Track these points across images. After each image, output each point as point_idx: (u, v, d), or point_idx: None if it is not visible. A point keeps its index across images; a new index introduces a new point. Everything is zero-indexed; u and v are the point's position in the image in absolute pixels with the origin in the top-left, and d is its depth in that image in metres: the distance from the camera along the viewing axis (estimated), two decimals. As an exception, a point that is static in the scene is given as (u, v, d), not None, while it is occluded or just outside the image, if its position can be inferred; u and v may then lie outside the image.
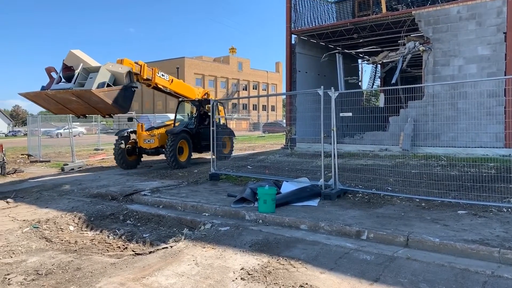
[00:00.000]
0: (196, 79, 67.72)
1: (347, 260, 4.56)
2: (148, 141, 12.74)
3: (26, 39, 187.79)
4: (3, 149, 13.13)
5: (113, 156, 13.09)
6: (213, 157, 10.08)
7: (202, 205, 7.07)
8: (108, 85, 9.54)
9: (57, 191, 9.52)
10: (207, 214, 6.79)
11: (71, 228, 6.62)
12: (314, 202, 7.00)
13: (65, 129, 36.80)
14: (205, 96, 14.73)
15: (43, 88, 9.81)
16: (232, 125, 37.79)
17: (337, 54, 17.51)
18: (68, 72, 9.86)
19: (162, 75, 12.40)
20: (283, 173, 9.71)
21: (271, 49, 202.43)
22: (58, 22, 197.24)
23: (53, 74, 10.00)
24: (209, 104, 14.32)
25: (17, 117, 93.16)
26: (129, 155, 12.94)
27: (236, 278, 4.17)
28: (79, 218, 7.02)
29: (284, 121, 28.04)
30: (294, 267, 4.40)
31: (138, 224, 6.80)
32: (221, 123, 14.87)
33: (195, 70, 67.28)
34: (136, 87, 10.30)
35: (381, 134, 14.08)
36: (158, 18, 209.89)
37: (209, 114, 13.89)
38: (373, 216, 6.09)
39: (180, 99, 14.40)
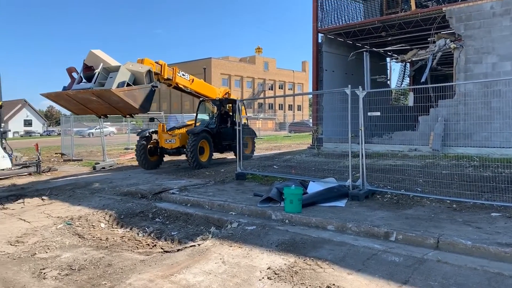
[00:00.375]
0: (222, 79, 68.27)
1: (375, 261, 4.50)
2: (170, 141, 12.73)
3: (58, 39, 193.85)
4: (39, 148, 13.63)
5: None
6: (239, 157, 10.13)
7: (229, 204, 7.13)
8: (128, 85, 9.45)
9: (89, 189, 9.81)
10: (233, 213, 6.84)
11: (102, 225, 6.81)
12: (341, 203, 6.94)
13: (96, 129, 37.83)
14: (226, 96, 14.68)
15: (64, 88, 9.76)
16: (258, 125, 37.91)
17: (364, 52, 17.26)
18: (88, 72, 9.83)
19: (183, 74, 12.41)
20: (310, 173, 9.67)
21: (298, 48, 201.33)
22: (88, 21, 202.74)
23: (74, 75, 9.97)
24: (230, 103, 14.33)
25: (51, 117, 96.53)
26: (151, 155, 12.97)
27: (263, 277, 4.19)
28: (110, 216, 7.21)
29: (311, 120, 27.85)
30: (321, 267, 4.39)
31: (167, 222, 6.92)
32: (243, 122, 14.79)
33: (221, 70, 67.84)
34: (157, 87, 10.21)
35: (411, 134, 13.79)
36: (184, 20, 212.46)
37: (230, 113, 14.13)
38: (402, 217, 5.98)
39: (200, 99, 14.38)
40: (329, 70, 17.75)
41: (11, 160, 12.57)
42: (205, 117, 15.52)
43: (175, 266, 4.63)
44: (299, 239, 5.34)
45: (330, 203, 6.91)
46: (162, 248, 5.46)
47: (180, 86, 12.41)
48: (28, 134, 76.93)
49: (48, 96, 9.86)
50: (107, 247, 5.59)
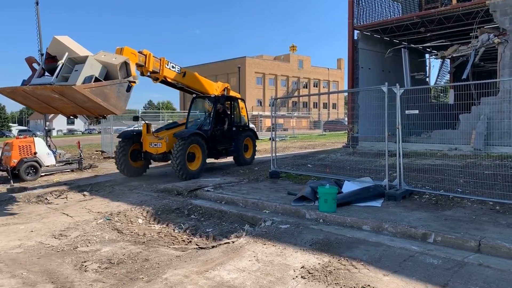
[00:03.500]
0: (256, 78, 68.51)
1: (412, 263, 4.39)
2: (155, 145, 10.81)
3: (93, 38, 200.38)
4: (80, 146, 14.18)
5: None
6: (273, 155, 10.13)
7: (263, 202, 7.15)
8: (98, 80, 7.63)
9: (127, 185, 10.12)
10: (267, 211, 6.86)
11: (140, 221, 7.00)
12: (378, 203, 6.81)
13: (135, 127, 38.90)
14: (224, 92, 12.96)
15: (23, 82, 8.02)
16: (292, 123, 37.77)
17: (402, 49, 16.84)
18: (51, 63, 8.05)
19: (173, 67, 10.61)
20: (345, 172, 9.54)
21: (333, 46, 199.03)
22: (125, 23, 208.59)
23: (35, 66, 8.25)
24: (229, 100, 12.64)
25: (92, 116, 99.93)
26: (134, 160, 11.15)
27: (297, 276, 4.18)
28: (147, 212, 7.41)
29: (346, 119, 27.44)
30: (355, 268, 4.32)
31: (202, 218, 7.03)
32: (243, 122, 13.26)
33: (255, 69, 68.06)
34: (134, 82, 8.30)
35: (451, 133, 13.31)
36: (221, 19, 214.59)
37: (228, 112, 12.39)
38: (441, 219, 5.79)
39: (194, 95, 12.60)
40: (365, 67, 17.42)
41: (55, 157, 13.14)
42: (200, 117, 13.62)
43: (210, 262, 4.69)
44: (334, 238, 5.29)
45: (366, 203, 6.79)
46: (197, 245, 5.56)
47: (168, 80, 10.74)
48: (71, 132, 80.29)
49: (2, 91, 8.12)
50: (144, 242, 5.74)
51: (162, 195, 8.73)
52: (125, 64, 8.25)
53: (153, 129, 11.85)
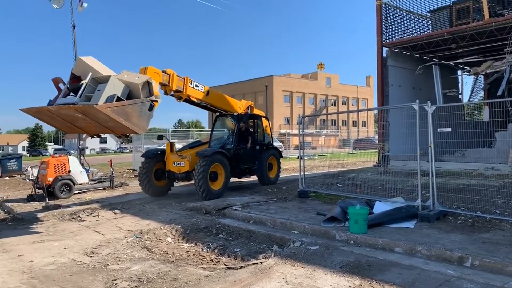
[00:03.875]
0: (284, 96, 68.76)
1: (448, 288, 4.20)
2: (178, 164, 10.75)
3: (124, 58, 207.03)
4: (112, 165, 14.53)
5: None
6: (302, 174, 10.04)
7: (291, 223, 7.06)
8: (120, 99, 7.65)
9: (157, 203, 10.24)
10: (296, 232, 6.77)
11: (169, 239, 7.04)
12: (410, 224, 6.60)
13: (165, 146, 39.60)
14: (248, 110, 12.89)
15: (49, 102, 8.21)
16: (320, 141, 37.49)
17: (433, 65, 16.52)
18: (76, 83, 8.20)
19: (196, 85, 10.59)
20: (376, 192, 9.33)
21: (361, 63, 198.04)
22: (149, 42, 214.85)
23: (61, 86, 8.41)
24: (253, 118, 12.51)
25: (115, 135, 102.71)
26: (157, 179, 11.12)
27: (327, 300, 4.07)
28: (176, 230, 7.45)
29: (376, 137, 27.01)
30: (388, 292, 4.17)
31: (230, 238, 7.01)
32: (267, 141, 13.06)
33: (283, 87, 68.39)
34: (156, 101, 8.33)
35: (486, 151, 12.84)
36: (249, 39, 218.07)
37: (251, 131, 12.26)
38: (478, 242, 5.54)
39: (217, 114, 12.61)
40: (395, 84, 17.17)
41: (88, 175, 13.50)
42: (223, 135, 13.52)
43: (238, 283, 4.65)
44: (365, 261, 5.14)
45: (398, 224, 6.60)
46: (225, 265, 5.53)
47: (192, 99, 10.71)
48: (103, 150, 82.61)
49: (28, 111, 8.29)
50: (173, 261, 5.76)
51: (190, 214, 8.78)
52: (147, 84, 8.28)
53: (180, 146, 11.96)
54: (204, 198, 9.95)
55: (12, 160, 20.64)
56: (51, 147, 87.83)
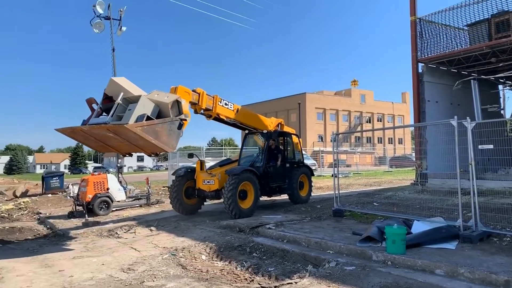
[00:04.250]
0: (317, 114, 68.45)
1: (494, 314, 3.97)
2: (208, 182, 10.79)
3: (163, 79, 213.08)
4: (149, 182, 14.86)
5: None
6: (336, 192, 9.89)
7: (326, 242, 6.94)
8: (150, 118, 7.81)
9: (191, 221, 10.35)
10: (331, 252, 6.63)
11: (203, 257, 7.07)
12: (451, 245, 6.33)
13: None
14: (278, 128, 12.78)
15: (83, 122, 8.45)
16: (355, 159, 36.87)
17: (472, 80, 16.02)
18: (108, 103, 8.44)
19: (226, 104, 10.74)
20: (414, 211, 9.04)
21: (396, 79, 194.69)
22: (191, 66, 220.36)
23: (95, 106, 8.64)
24: (283, 136, 12.41)
25: (159, 153, 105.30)
26: (188, 197, 11.18)
27: (364, 323, 3.95)
28: (210, 248, 7.48)
29: (413, 154, 26.26)
30: (429, 316, 4.00)
31: (264, 257, 6.95)
32: (298, 159, 12.88)
33: (316, 104, 68.14)
34: (185, 119, 8.45)
35: (532, 169, 12.20)
36: (282, 57, 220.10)
37: (281, 148, 12.15)
38: (527, 265, 5.23)
39: (246, 131, 12.54)
40: (432, 100, 16.75)
41: (125, 192, 13.86)
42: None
43: (272, 303, 4.58)
44: (403, 282, 4.96)
45: (438, 245, 6.34)
46: (259, 284, 5.48)
47: (221, 117, 10.83)
48: (140, 168, 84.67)
49: (63, 131, 8.49)
50: (207, 279, 5.77)
51: (224, 232, 8.81)
52: (177, 103, 8.41)
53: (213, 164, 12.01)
54: (233, 217, 9.90)
55: (55, 178, 21.52)
56: (91, 165, 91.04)
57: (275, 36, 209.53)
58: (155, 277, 5.84)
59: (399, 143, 76.82)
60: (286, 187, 11.97)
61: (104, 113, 8.39)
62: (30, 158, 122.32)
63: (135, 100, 8.00)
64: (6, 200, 19.87)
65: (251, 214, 10.31)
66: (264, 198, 12.99)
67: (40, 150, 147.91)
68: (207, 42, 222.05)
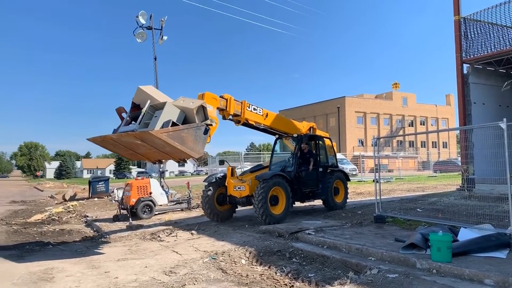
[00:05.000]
0: (357, 117, 67.26)
1: (551, 329, 3.73)
2: (238, 188, 10.64)
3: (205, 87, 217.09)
4: (189, 187, 15.15)
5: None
6: (378, 198, 9.67)
7: (368, 249, 6.79)
8: (175, 124, 7.85)
9: (231, 225, 10.45)
10: (373, 259, 6.49)
11: (243, 261, 7.12)
12: (502, 254, 6.02)
13: (238, 168, 40.56)
14: (309, 132, 12.52)
15: (114, 131, 8.55)
16: (397, 164, 35.86)
17: (522, 81, 15.22)
18: (136, 111, 8.57)
19: (254, 109, 10.61)
20: (460, 218, 8.66)
21: (439, 81, 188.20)
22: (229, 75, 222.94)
23: (124, 115, 8.82)
24: (314, 139, 12.09)
25: (200, 158, 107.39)
26: (220, 204, 11.07)
27: (408, 333, 3.83)
28: (250, 253, 7.51)
29: (459, 159, 25.20)
30: (478, 328, 3.82)
31: (303, 263, 6.90)
32: (331, 163, 12.47)
33: (356, 108, 66.96)
34: (211, 125, 8.47)
35: None
36: (320, 61, 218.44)
37: (313, 152, 11.87)
38: None
39: (276, 136, 12.31)
40: (479, 102, 16.04)
41: (167, 197, 14.21)
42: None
43: (312, 309, 4.54)
44: (450, 292, 4.77)
45: (487, 253, 6.05)
46: (299, 290, 5.44)
47: (250, 122, 10.69)
48: (181, 173, 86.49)
49: (94, 140, 8.66)
50: (247, 283, 5.80)
51: (263, 236, 8.82)
52: (202, 108, 8.42)
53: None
54: (264, 223, 9.80)
55: (101, 183, 22.43)
56: (134, 170, 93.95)
57: (312, 40, 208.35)
58: (196, 280, 5.93)
59: (443, 147, 74.00)
60: (320, 192, 11.70)
61: (133, 122, 8.56)
62: (78, 164, 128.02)
63: (161, 107, 8.11)
64: (56, 204, 20.92)
65: (283, 220, 10.15)
66: (303, 204, 12.92)
67: (87, 155, 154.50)
68: (241, 48, 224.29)
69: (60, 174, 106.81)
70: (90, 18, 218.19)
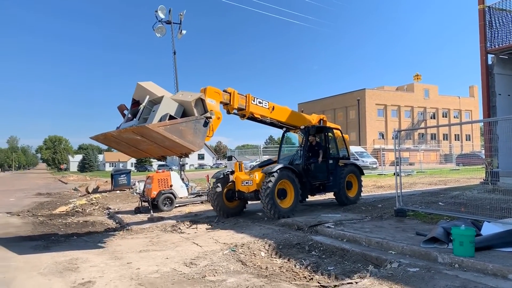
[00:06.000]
0: (377, 110, 66.30)
1: None
2: (246, 183, 10.38)
3: (224, 83, 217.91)
4: (209, 179, 15.28)
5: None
6: (399, 191, 9.55)
7: (388, 242, 6.73)
8: (173, 118, 7.77)
9: (250, 218, 10.51)
10: (393, 252, 6.43)
11: (262, 254, 7.16)
12: (527, 249, 5.88)
13: (257, 161, 40.64)
14: (318, 123, 12.10)
15: (117, 128, 8.46)
16: (419, 157, 35.31)
17: (551, 71, 14.71)
18: (136, 107, 8.51)
19: (259, 102, 10.40)
20: (484, 212, 8.49)
21: (462, 72, 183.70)
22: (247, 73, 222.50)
23: (126, 112, 8.81)
24: (323, 131, 11.72)
25: (219, 152, 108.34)
26: (229, 200, 10.86)
27: (429, 327, 3.79)
28: (269, 245, 7.55)
29: (483, 152, 24.61)
30: (502, 324, 3.75)
31: (323, 256, 6.90)
32: (342, 154, 12.11)
33: (376, 100, 65.97)
34: (210, 117, 8.29)
35: None
36: (339, 53, 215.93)
37: (321, 144, 11.58)
38: None
39: (284, 129, 12.02)
40: (504, 94, 15.60)
41: (187, 189, 14.37)
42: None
43: (332, 302, 4.55)
44: (472, 287, 4.70)
45: (511, 248, 5.92)
46: (318, 282, 5.45)
47: (256, 116, 10.50)
48: (201, 166, 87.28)
49: (97, 139, 8.70)
50: (266, 276, 5.84)
51: (282, 229, 8.84)
52: (201, 101, 8.34)
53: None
54: (273, 218, 9.70)
55: (122, 175, 22.85)
56: (155, 163, 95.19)
57: (332, 32, 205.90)
58: (216, 272, 6.01)
59: (466, 140, 72.34)
60: (332, 185, 11.41)
61: (134, 118, 8.44)
62: (100, 157, 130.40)
63: (159, 101, 8.05)
64: (80, 196, 21.43)
65: (292, 214, 9.99)
66: (323, 197, 12.84)
67: (109, 149, 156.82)
68: (259, 40, 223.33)
69: (83, 167, 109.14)
70: (113, 15, 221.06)
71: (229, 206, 10.89)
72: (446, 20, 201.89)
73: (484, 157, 18.33)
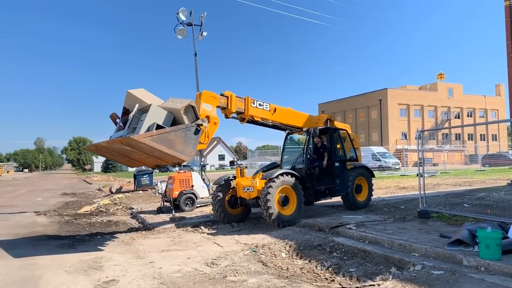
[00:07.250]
0: (400, 110, 65.24)
1: None
2: (247, 189, 9.80)
3: (241, 88, 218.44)
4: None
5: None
6: (422, 192, 9.38)
7: (411, 244, 6.62)
8: (161, 127, 7.41)
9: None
10: (416, 255, 6.32)
11: (283, 255, 7.15)
12: (557, 252, 5.68)
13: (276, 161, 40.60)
14: (326, 125, 11.37)
15: (110, 138, 8.14)
16: (443, 157, 34.59)
17: None
18: (126, 116, 8.18)
19: (260, 104, 9.95)
20: (511, 214, 8.26)
21: (488, 71, 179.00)
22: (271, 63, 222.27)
23: (118, 121, 8.48)
24: (328, 132, 10.97)
25: (239, 152, 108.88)
26: (232, 207, 10.34)
27: (454, 331, 3.72)
28: (290, 246, 7.54)
29: (510, 152, 23.91)
30: (530, 330, 3.64)
31: (344, 257, 6.84)
32: (349, 156, 11.40)
33: (398, 100, 64.91)
34: (201, 125, 7.92)
35: None
36: (360, 53, 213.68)
37: (327, 146, 10.90)
38: None
39: (287, 131, 11.46)
40: (533, 92, 15.14)
41: (208, 190, 14.49)
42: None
43: (354, 304, 4.50)
44: (499, 291, 4.57)
45: (541, 252, 5.74)
46: (340, 284, 5.41)
47: (256, 119, 10.05)
48: (221, 167, 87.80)
49: (89, 149, 8.56)
50: (287, 277, 5.83)
51: (303, 230, 8.81)
52: (191, 108, 7.94)
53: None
54: (274, 225, 9.23)
55: (145, 176, 23.17)
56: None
57: (352, 31, 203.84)
58: (237, 272, 6.03)
59: (493, 140, 70.42)
60: (339, 188, 10.78)
61: (125, 127, 8.13)
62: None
63: (147, 110, 7.72)
64: (104, 196, 21.86)
65: (294, 221, 9.50)
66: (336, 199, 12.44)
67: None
68: (281, 41, 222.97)
69: (107, 167, 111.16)
70: (132, 21, 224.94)
71: (232, 212, 10.40)
72: (470, 17, 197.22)
73: (511, 157, 17.78)
